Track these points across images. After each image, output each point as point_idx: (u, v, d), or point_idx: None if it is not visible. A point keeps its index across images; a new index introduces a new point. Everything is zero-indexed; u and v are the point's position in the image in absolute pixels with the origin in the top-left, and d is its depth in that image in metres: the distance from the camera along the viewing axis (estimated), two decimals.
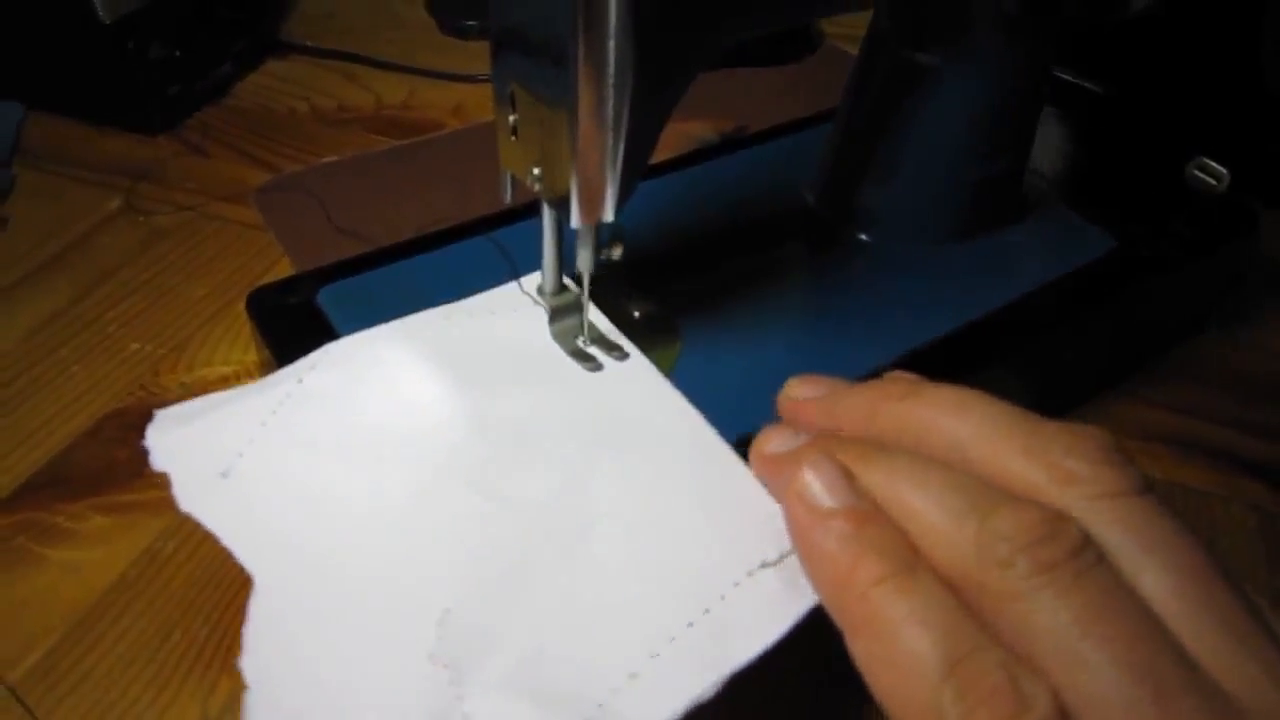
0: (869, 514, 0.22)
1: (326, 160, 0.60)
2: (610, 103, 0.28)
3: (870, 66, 0.41)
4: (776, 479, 0.26)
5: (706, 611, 0.25)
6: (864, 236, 0.42)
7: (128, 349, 0.47)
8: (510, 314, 0.35)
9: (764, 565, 0.25)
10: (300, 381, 0.31)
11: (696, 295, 0.39)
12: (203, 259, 0.52)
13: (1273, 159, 0.48)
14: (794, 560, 0.25)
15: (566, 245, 0.33)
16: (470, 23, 0.76)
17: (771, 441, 0.26)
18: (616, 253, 0.32)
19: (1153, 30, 0.48)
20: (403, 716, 0.23)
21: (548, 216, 0.33)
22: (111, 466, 0.40)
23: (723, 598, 0.25)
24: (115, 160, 0.60)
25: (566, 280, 0.35)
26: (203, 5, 0.65)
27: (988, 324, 0.38)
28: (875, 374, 0.35)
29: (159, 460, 0.29)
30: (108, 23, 0.58)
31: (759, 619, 0.24)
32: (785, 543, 0.25)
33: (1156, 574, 0.20)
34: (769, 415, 0.33)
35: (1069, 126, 0.50)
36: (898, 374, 0.27)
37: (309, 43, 0.74)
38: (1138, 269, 0.42)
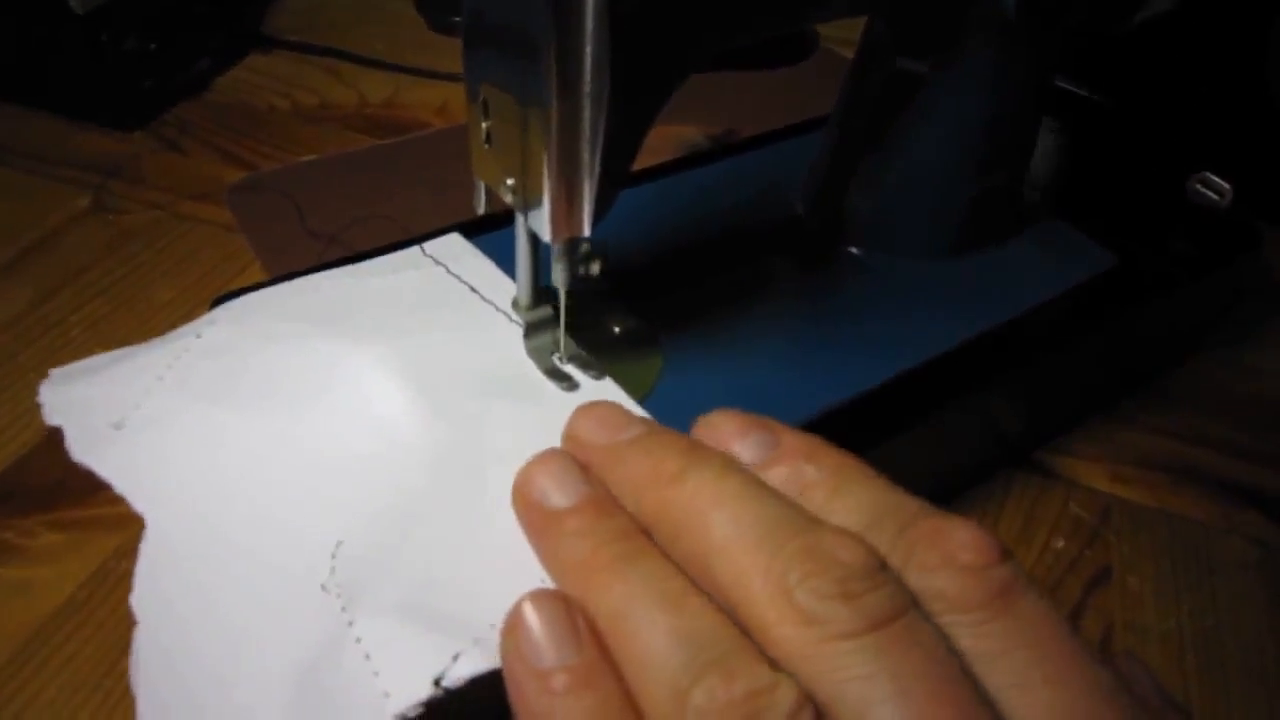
0: (588, 674, 0.20)
1: (303, 160, 0.58)
2: (586, 113, 0.26)
3: (864, 75, 0.39)
4: (530, 530, 0.24)
5: None
6: (855, 250, 0.41)
7: (90, 355, 0.45)
8: (410, 271, 0.35)
9: None
10: (198, 336, 0.31)
11: (680, 309, 0.37)
12: (171, 261, 0.51)
13: (1277, 174, 0.47)
14: None
15: (543, 257, 0.31)
16: (459, 19, 0.74)
17: (536, 483, 0.24)
18: (595, 268, 0.30)
19: (1155, 40, 0.46)
20: (295, 643, 0.24)
21: (522, 227, 0.31)
22: (65, 480, 0.39)
23: None
24: (87, 156, 0.59)
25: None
26: None
27: (982, 343, 0.37)
28: (863, 399, 0.34)
29: (52, 415, 0.29)
30: (80, 14, 0.56)
31: None
32: None
33: None
34: None
35: (1067, 137, 0.48)
36: (714, 418, 0.24)
37: (293, 37, 0.72)
38: (1138, 288, 0.40)
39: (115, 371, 0.30)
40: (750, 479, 0.22)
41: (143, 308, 0.48)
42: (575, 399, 0.31)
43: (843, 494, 0.22)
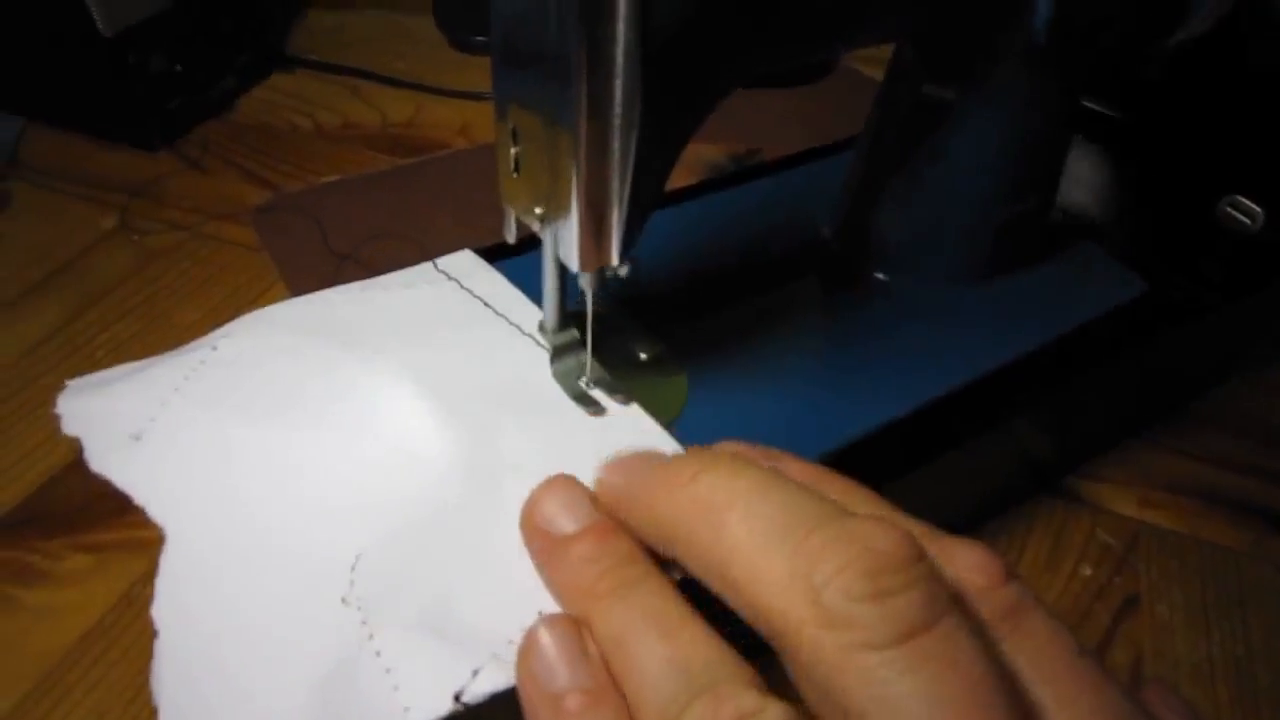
0: (600, 695, 0.20)
1: (327, 180, 0.59)
2: (616, 139, 0.26)
3: (892, 100, 0.39)
4: (536, 555, 0.24)
5: None
6: (881, 276, 0.40)
7: None
8: (425, 287, 0.35)
9: None
10: (214, 349, 0.32)
11: (706, 334, 0.37)
12: (196, 281, 0.51)
13: None
14: None
15: (570, 282, 0.31)
16: (480, 38, 0.75)
17: (543, 508, 0.24)
18: (624, 270, 0.30)
19: (1184, 59, 0.46)
20: (315, 655, 0.24)
21: (549, 250, 0.31)
22: (92, 503, 0.39)
23: None
24: (113, 175, 0.59)
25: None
26: (205, 18, 0.63)
27: (1010, 371, 0.36)
28: (891, 426, 0.34)
29: (70, 425, 0.29)
30: (108, 35, 0.57)
31: None
32: None
33: None
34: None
35: (1094, 159, 0.48)
36: (723, 447, 0.24)
37: (315, 57, 0.72)
38: (1168, 314, 0.40)
39: (133, 383, 0.31)
40: (767, 474, 0.21)
41: (168, 328, 0.48)
42: (600, 423, 0.31)
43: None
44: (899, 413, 0.34)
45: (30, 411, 0.43)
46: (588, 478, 0.28)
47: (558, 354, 0.33)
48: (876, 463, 0.32)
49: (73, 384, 0.31)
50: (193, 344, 0.32)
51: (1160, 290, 0.40)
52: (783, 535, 0.19)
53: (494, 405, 0.31)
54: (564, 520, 0.23)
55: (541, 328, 0.34)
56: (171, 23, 0.61)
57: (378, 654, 0.23)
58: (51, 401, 0.30)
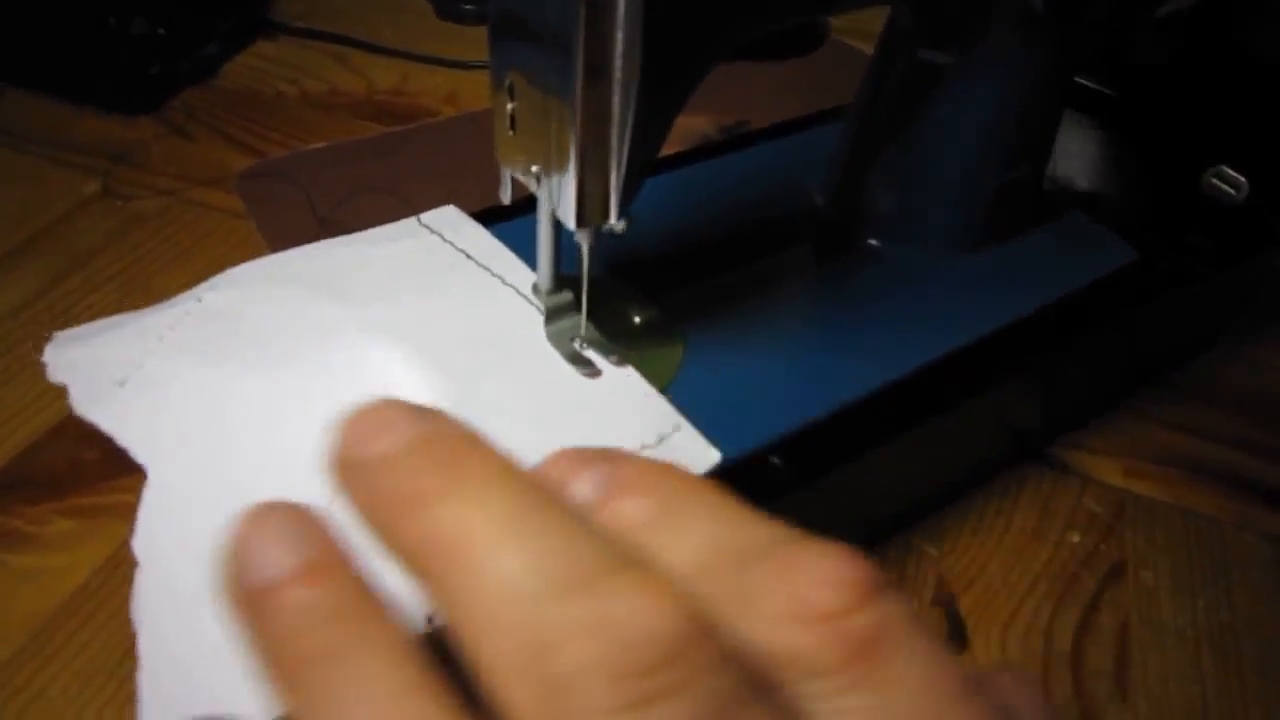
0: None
1: (313, 146, 0.58)
2: (615, 100, 0.26)
3: (886, 66, 0.39)
4: (234, 607, 0.17)
5: None
6: (875, 242, 0.40)
7: None
8: (409, 240, 0.36)
9: (644, 447, 0.29)
10: (199, 301, 0.32)
11: (701, 300, 0.37)
12: (180, 247, 0.50)
13: None
14: (674, 439, 0.29)
15: (565, 242, 0.31)
16: (467, 6, 0.74)
17: (244, 549, 0.17)
18: (620, 227, 0.29)
19: (1172, 33, 0.46)
20: None
21: (544, 212, 0.31)
22: (77, 467, 0.38)
23: None
24: (94, 141, 0.58)
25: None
26: None
27: (1001, 337, 0.36)
28: (881, 391, 0.34)
29: (55, 373, 0.30)
30: None
31: None
32: (664, 427, 0.30)
33: None
34: (772, 428, 0.32)
35: (1085, 131, 0.48)
36: (549, 459, 0.18)
37: (300, 24, 0.71)
38: (1156, 282, 0.40)
39: (118, 333, 0.31)
40: (530, 501, 0.16)
41: (151, 294, 0.47)
42: (592, 384, 0.31)
43: (679, 528, 0.16)
44: (888, 378, 0.34)
45: (12, 377, 0.42)
46: (569, 423, 0.29)
47: (552, 315, 0.33)
48: (865, 427, 0.32)
49: (59, 335, 0.31)
50: (178, 297, 0.33)
51: (1150, 259, 0.40)
52: (528, 598, 0.14)
53: (476, 354, 0.31)
54: (266, 562, 0.17)
55: (536, 289, 0.34)
56: None
57: None
58: (37, 369, 0.30)
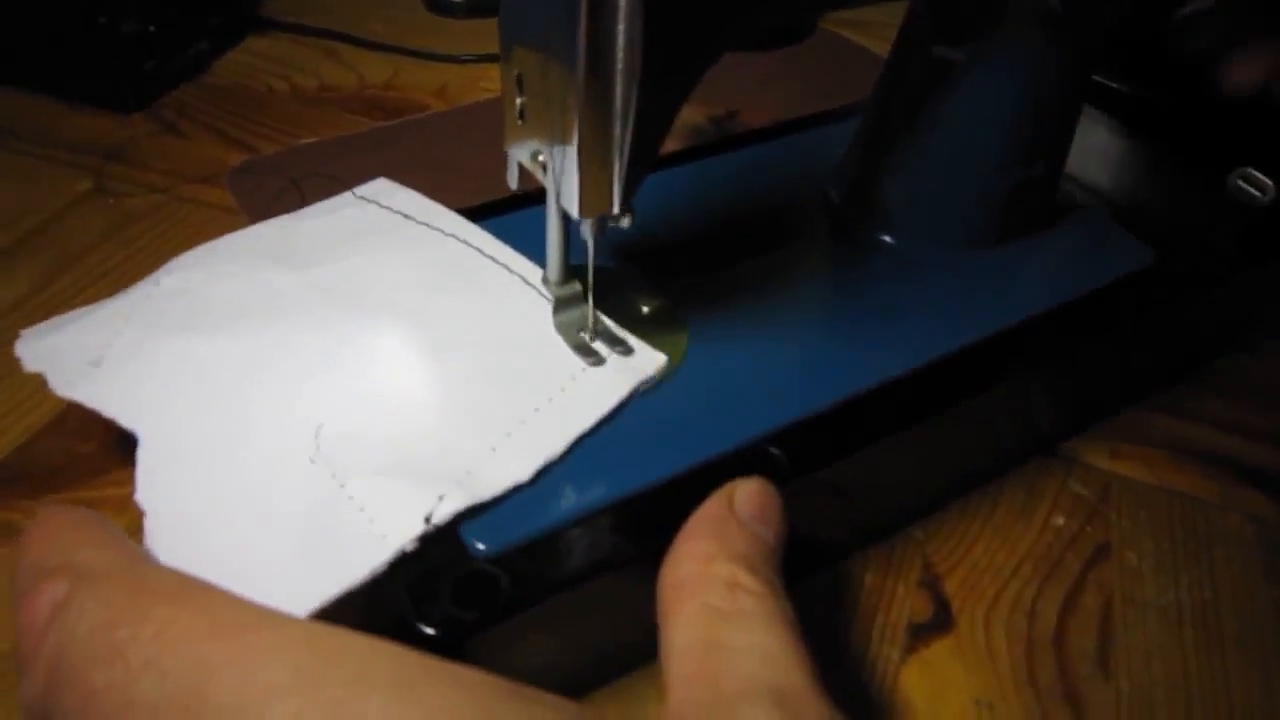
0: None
1: (304, 142, 0.58)
2: (618, 90, 0.26)
3: (903, 62, 0.39)
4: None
5: (550, 400, 0.30)
6: (888, 238, 0.40)
7: None
8: (348, 210, 0.39)
9: (588, 367, 0.32)
10: (158, 284, 0.35)
11: (709, 291, 0.37)
12: (173, 244, 0.50)
13: None
14: (615, 359, 0.32)
15: (573, 234, 0.32)
16: (458, 1, 0.74)
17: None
18: (625, 222, 0.30)
19: (1196, 33, 0.45)
20: (294, 509, 0.27)
21: (553, 203, 0.31)
22: (74, 461, 0.39)
23: (562, 390, 0.31)
24: (86, 139, 0.58)
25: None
26: None
27: (1014, 335, 0.36)
28: (888, 386, 0.33)
29: (30, 363, 0.32)
30: None
31: (595, 399, 0.31)
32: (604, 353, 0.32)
33: None
34: (776, 421, 0.32)
35: (1106, 131, 0.48)
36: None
37: (290, 19, 0.72)
38: (1176, 285, 0.39)
39: (85, 321, 0.34)
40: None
41: None
42: (535, 309, 0.34)
43: None
44: (894, 372, 0.34)
45: (8, 374, 0.42)
46: (520, 346, 0.32)
47: (560, 306, 0.33)
48: (872, 422, 0.33)
49: (27, 332, 0.34)
50: (137, 284, 0.35)
51: (1168, 261, 0.40)
52: None
53: (419, 292, 0.34)
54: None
55: (545, 280, 0.34)
56: None
57: (350, 498, 0.27)
58: (9, 346, 0.31)
